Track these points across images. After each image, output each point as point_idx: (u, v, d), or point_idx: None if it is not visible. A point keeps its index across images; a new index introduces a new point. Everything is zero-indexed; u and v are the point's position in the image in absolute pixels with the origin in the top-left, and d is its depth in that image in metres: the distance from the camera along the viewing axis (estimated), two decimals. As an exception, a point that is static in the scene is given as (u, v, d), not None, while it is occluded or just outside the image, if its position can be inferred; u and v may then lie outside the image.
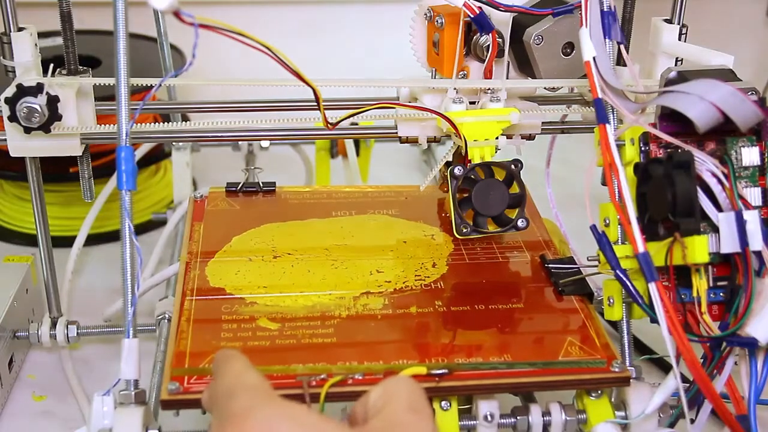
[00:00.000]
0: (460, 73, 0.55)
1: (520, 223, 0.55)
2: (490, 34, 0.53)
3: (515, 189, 0.55)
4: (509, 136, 0.56)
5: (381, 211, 0.62)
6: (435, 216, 0.62)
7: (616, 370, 0.47)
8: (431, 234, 0.59)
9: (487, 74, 0.55)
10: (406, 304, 0.52)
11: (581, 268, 0.53)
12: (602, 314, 0.52)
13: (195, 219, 0.60)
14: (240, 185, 0.63)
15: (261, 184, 0.64)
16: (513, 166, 0.55)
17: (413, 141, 0.57)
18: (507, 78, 0.56)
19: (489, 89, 0.55)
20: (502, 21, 0.54)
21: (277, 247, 0.57)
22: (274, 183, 0.64)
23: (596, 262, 0.49)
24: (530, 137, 0.57)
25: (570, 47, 0.55)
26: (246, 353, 0.42)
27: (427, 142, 0.57)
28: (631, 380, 0.49)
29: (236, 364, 0.40)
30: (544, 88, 0.57)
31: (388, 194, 0.65)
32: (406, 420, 0.36)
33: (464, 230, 0.54)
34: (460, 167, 0.54)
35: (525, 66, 0.56)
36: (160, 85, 0.46)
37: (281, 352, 0.47)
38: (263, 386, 0.38)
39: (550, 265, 0.55)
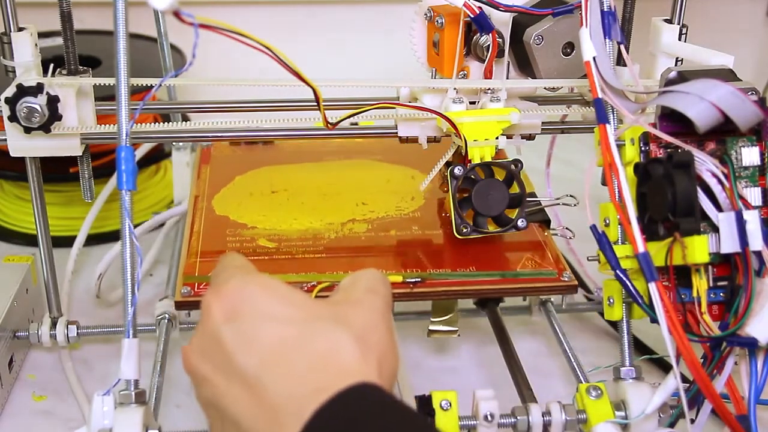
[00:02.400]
0: (460, 73, 0.55)
1: (520, 223, 0.55)
2: (490, 34, 0.53)
3: (515, 189, 0.55)
4: (509, 136, 0.56)
5: (368, 157, 0.70)
6: (415, 160, 0.68)
7: (566, 279, 0.54)
8: (411, 175, 0.67)
9: (487, 74, 0.55)
10: (386, 228, 0.60)
11: (541, 201, 0.60)
12: (602, 314, 0.52)
13: (202, 162, 0.69)
14: None
15: None
16: (513, 166, 0.55)
17: (413, 141, 0.57)
18: (507, 78, 0.56)
19: (489, 89, 0.55)
20: (502, 21, 0.54)
21: (275, 184, 0.65)
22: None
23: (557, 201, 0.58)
24: (530, 137, 0.57)
25: (570, 47, 0.55)
26: None
27: (427, 142, 0.57)
28: (631, 380, 0.49)
29: (230, 255, 0.46)
30: (544, 88, 0.57)
31: (374, 143, 0.72)
32: (363, 297, 0.41)
33: (464, 230, 0.54)
34: (460, 167, 0.54)
35: (525, 66, 0.56)
36: (160, 85, 0.46)
37: (278, 265, 0.55)
38: (247, 266, 0.44)
39: None
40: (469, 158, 0.54)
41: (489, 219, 0.55)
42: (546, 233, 0.59)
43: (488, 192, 0.54)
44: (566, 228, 0.60)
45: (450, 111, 0.54)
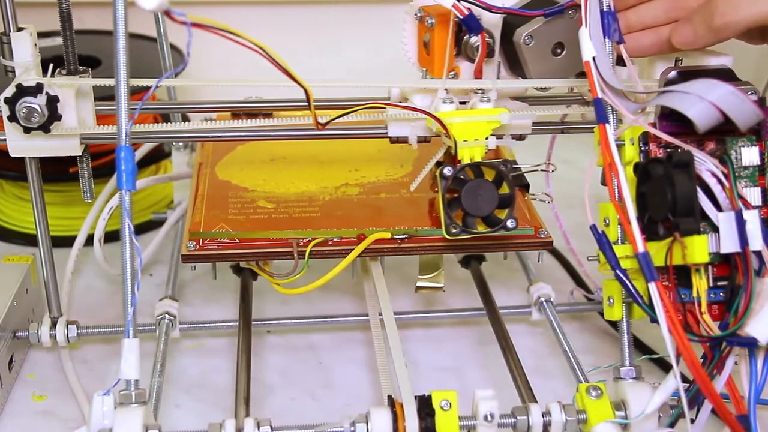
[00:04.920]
0: (451, 73, 0.55)
1: (510, 223, 0.54)
2: (480, 35, 0.53)
3: (505, 189, 0.55)
4: (500, 137, 0.55)
5: None
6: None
7: (542, 236, 0.59)
8: (400, 145, 0.66)
9: (477, 75, 0.55)
10: (376, 191, 0.64)
11: (521, 167, 0.62)
12: (602, 314, 0.52)
13: None
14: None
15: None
16: (503, 167, 0.54)
17: (403, 141, 0.57)
18: (498, 78, 0.56)
19: (479, 89, 0.55)
20: (493, 22, 0.54)
21: (274, 153, 0.69)
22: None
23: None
24: (521, 137, 0.57)
25: (560, 47, 0.55)
26: (248, 224, 0.59)
27: (417, 142, 0.57)
28: (631, 380, 0.49)
29: None
30: (535, 88, 0.56)
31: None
32: None
33: (453, 230, 0.54)
34: (449, 167, 0.53)
35: (516, 66, 0.56)
36: (157, 86, 0.46)
37: (276, 223, 0.59)
38: None
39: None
40: (458, 158, 0.54)
41: (478, 219, 0.55)
42: (525, 197, 0.63)
43: (478, 192, 0.54)
44: (545, 193, 0.64)
45: (440, 111, 0.54)
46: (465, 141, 0.54)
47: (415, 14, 0.55)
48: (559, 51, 0.55)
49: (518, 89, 0.57)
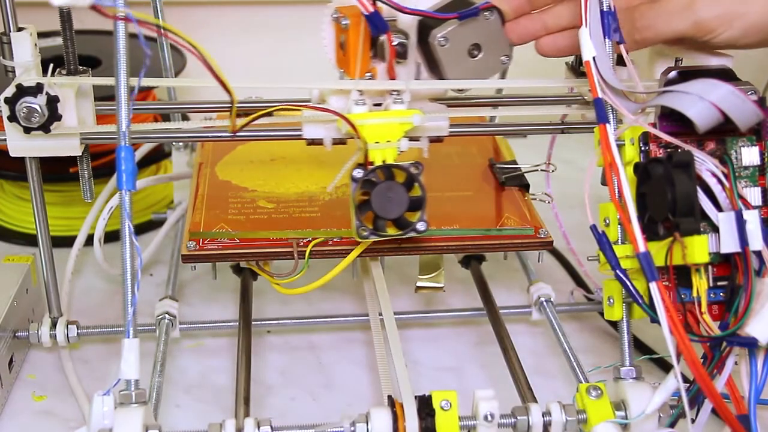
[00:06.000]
0: (367, 74, 0.54)
1: (420, 225, 0.53)
2: (386, 34, 0.51)
3: (417, 191, 0.53)
4: (416, 139, 0.55)
5: None
6: None
7: (542, 236, 0.59)
8: None
9: (391, 75, 0.54)
10: None
11: (521, 167, 0.65)
12: (602, 314, 0.52)
13: None
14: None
15: None
16: (413, 169, 0.53)
17: (318, 143, 0.56)
18: (420, 80, 0.55)
19: (394, 91, 0.54)
20: (408, 23, 0.53)
21: (274, 153, 0.69)
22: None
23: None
24: (439, 139, 0.56)
25: (477, 49, 0.54)
26: (248, 224, 0.59)
27: (332, 144, 0.56)
28: (631, 380, 0.49)
29: None
30: (453, 89, 0.56)
31: None
32: None
33: (363, 233, 0.53)
34: (359, 170, 0.52)
35: (434, 68, 0.55)
36: (137, 86, 0.45)
37: (276, 223, 0.59)
38: None
39: (496, 166, 0.67)
40: (370, 161, 0.53)
41: (389, 222, 0.54)
42: (525, 197, 0.64)
43: (388, 195, 0.52)
44: (545, 193, 0.65)
45: (353, 113, 0.53)
46: (376, 143, 0.52)
47: (332, 15, 0.54)
48: (476, 53, 0.54)
49: (437, 91, 0.56)
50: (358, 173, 0.52)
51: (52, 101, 0.52)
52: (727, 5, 0.50)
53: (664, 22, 0.51)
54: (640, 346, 0.63)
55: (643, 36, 0.52)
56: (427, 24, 0.53)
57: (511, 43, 0.55)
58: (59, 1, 0.36)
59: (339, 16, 0.53)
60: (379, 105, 0.54)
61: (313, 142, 0.56)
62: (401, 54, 0.53)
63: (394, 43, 0.52)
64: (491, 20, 0.54)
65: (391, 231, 0.54)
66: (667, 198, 0.45)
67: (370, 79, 0.54)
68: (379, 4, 0.51)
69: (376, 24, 0.51)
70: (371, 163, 0.52)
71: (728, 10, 0.50)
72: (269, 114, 0.52)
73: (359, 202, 0.53)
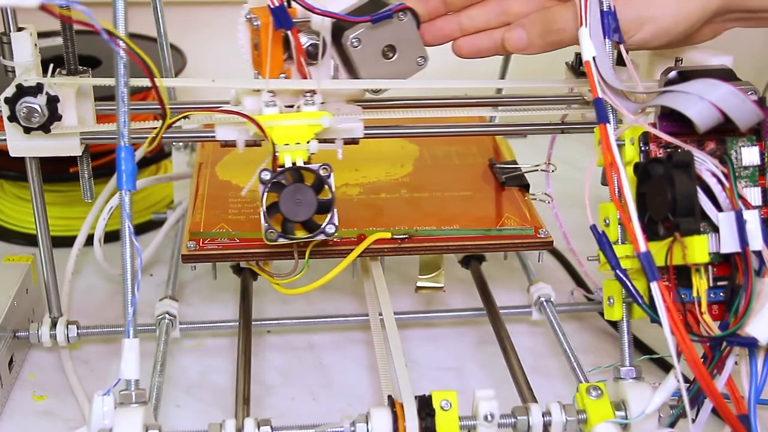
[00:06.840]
0: (282, 75, 0.53)
1: (329, 228, 0.53)
2: (291, 31, 0.51)
3: (326, 194, 0.53)
4: (330, 140, 0.54)
5: None
6: None
7: (542, 236, 0.59)
8: (401, 145, 0.71)
9: (301, 75, 0.53)
10: (377, 191, 0.64)
11: (521, 167, 0.66)
12: (602, 314, 0.52)
13: None
14: None
15: None
16: (323, 171, 0.52)
17: (232, 145, 0.55)
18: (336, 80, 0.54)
19: (307, 92, 0.53)
20: (321, 24, 0.52)
21: None
22: None
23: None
24: (354, 141, 0.56)
25: (392, 50, 0.54)
26: (248, 224, 0.59)
27: (245, 146, 0.55)
28: (631, 380, 0.49)
29: None
30: (368, 90, 0.55)
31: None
32: None
33: (271, 236, 0.52)
34: (268, 172, 0.52)
35: (350, 69, 0.55)
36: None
37: None
38: None
39: (496, 166, 0.67)
40: (279, 162, 0.52)
41: (298, 225, 0.53)
42: (525, 197, 0.64)
43: (296, 197, 0.52)
44: (545, 193, 0.65)
45: (263, 114, 0.52)
46: (286, 144, 0.52)
47: (246, 16, 0.53)
48: (390, 54, 0.54)
49: (353, 92, 0.56)
50: (266, 175, 0.51)
51: (52, 101, 0.52)
52: (638, 9, 0.51)
53: (577, 25, 0.51)
54: (640, 346, 0.63)
55: (560, 38, 0.52)
56: (340, 25, 0.53)
57: (426, 44, 0.55)
58: (3, 1, 0.35)
59: (252, 17, 0.52)
60: (291, 107, 0.53)
61: (227, 144, 0.55)
62: (313, 55, 0.52)
63: (307, 45, 0.52)
64: (405, 22, 0.54)
65: (300, 234, 0.53)
66: (667, 198, 0.45)
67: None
68: (294, 5, 0.50)
69: (280, 18, 0.50)
70: (280, 165, 0.52)
71: (639, 14, 0.51)
72: (185, 117, 0.51)
73: (268, 205, 0.52)
